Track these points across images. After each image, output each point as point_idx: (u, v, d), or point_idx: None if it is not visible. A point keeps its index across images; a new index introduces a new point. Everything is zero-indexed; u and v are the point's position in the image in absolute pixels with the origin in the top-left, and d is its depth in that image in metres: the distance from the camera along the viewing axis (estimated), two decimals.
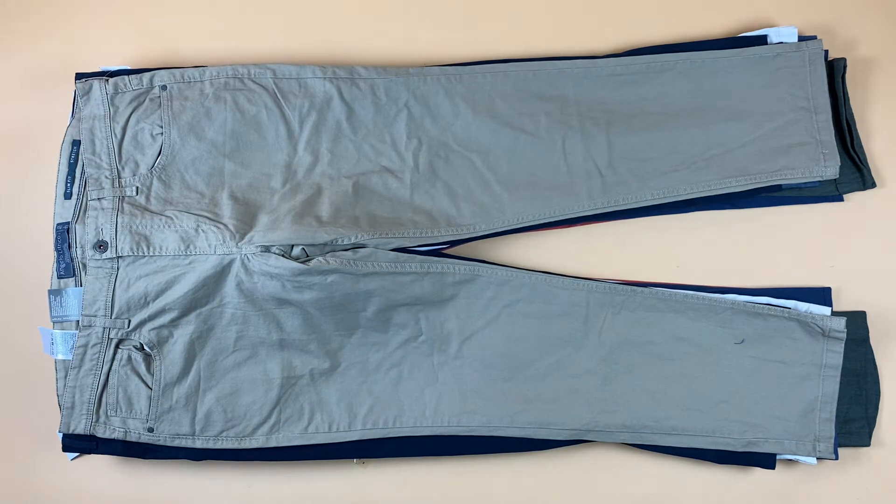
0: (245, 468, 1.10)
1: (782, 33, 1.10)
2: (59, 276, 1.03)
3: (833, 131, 1.07)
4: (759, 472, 1.09)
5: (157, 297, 1.01)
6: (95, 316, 1.01)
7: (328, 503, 1.11)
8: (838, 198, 1.11)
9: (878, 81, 1.13)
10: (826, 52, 1.10)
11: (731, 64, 1.08)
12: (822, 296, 1.09)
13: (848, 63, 1.10)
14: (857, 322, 1.09)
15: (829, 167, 1.06)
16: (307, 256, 1.00)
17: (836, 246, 1.11)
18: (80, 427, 1.02)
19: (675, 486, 1.10)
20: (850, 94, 1.10)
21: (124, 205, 1.03)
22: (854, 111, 1.10)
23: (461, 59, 1.12)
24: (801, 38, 1.10)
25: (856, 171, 1.11)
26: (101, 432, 1.02)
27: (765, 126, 1.07)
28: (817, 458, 1.06)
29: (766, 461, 1.07)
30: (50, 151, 1.11)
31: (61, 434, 1.05)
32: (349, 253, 1.01)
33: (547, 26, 1.14)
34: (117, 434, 1.03)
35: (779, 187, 1.08)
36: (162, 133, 1.04)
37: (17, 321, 1.12)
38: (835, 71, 1.10)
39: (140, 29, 1.15)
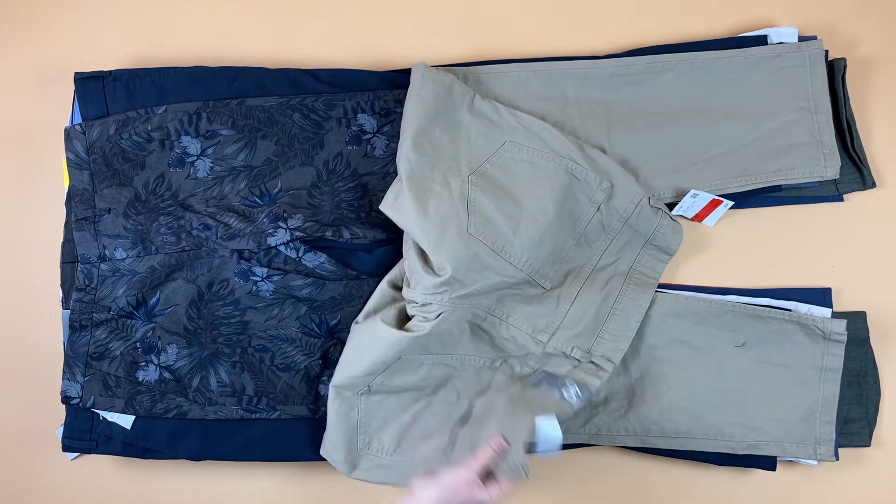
0: (245, 468, 1.10)
1: (782, 33, 1.09)
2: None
3: (833, 131, 1.07)
4: (759, 474, 1.08)
5: None
6: None
7: (328, 503, 1.10)
8: (838, 198, 1.11)
9: (878, 81, 1.13)
10: (826, 52, 1.10)
11: (732, 64, 1.08)
12: (822, 296, 1.09)
13: (848, 63, 1.10)
14: (857, 322, 1.09)
15: (830, 167, 1.06)
16: None
17: (836, 246, 1.11)
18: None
19: (676, 487, 1.10)
20: (850, 94, 1.10)
21: None
22: (854, 111, 1.10)
23: (461, 59, 1.12)
24: (801, 38, 1.10)
25: (856, 171, 1.10)
26: None
27: (765, 126, 1.07)
28: (818, 460, 1.06)
29: (767, 463, 1.06)
30: (49, 151, 1.11)
31: (61, 434, 1.05)
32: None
33: (547, 27, 1.14)
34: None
35: (779, 187, 1.07)
36: None
37: (18, 321, 1.12)
38: (835, 71, 1.09)
39: (139, 29, 1.15)
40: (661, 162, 1.07)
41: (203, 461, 1.06)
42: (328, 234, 1.02)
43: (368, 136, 1.07)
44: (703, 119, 1.07)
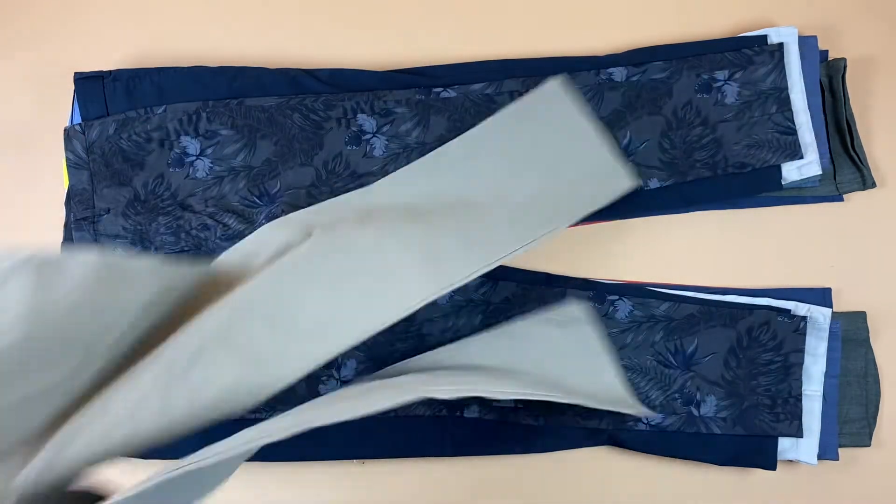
0: (243, 468, 1.10)
1: (782, 33, 1.09)
2: None
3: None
4: (759, 474, 1.08)
5: None
6: None
7: (328, 503, 1.11)
8: (838, 198, 1.11)
9: (878, 81, 1.13)
10: (826, 52, 1.10)
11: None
12: (822, 296, 1.09)
13: (848, 63, 1.10)
14: (857, 322, 1.09)
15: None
16: None
17: (836, 246, 1.11)
18: None
19: (676, 487, 1.10)
20: (850, 94, 1.10)
21: None
22: (854, 111, 1.10)
23: (461, 59, 1.12)
24: (802, 38, 1.09)
25: (856, 171, 1.10)
26: None
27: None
28: (818, 459, 1.06)
29: (767, 463, 1.06)
30: (49, 151, 1.11)
31: None
32: None
33: (547, 27, 1.14)
34: None
35: (779, 187, 1.07)
36: None
37: None
38: (835, 71, 1.10)
39: (139, 29, 1.15)
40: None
41: None
42: None
43: (368, 136, 1.07)
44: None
